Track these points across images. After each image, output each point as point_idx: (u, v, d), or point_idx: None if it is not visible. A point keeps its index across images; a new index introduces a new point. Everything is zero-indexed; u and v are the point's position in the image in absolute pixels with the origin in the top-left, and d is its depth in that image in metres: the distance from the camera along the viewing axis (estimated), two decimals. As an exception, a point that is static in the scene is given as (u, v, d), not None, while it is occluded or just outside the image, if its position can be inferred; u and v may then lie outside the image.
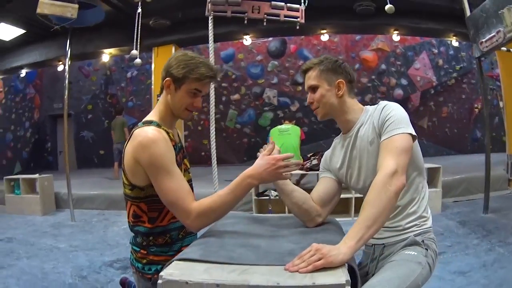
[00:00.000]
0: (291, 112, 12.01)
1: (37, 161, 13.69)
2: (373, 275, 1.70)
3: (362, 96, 11.82)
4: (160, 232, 1.79)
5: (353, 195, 5.94)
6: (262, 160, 1.65)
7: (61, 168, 11.99)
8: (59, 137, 14.32)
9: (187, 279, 1.21)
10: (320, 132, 11.22)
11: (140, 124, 1.78)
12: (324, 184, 1.98)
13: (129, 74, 13.87)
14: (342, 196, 5.61)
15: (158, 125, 1.75)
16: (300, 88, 11.76)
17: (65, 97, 7.23)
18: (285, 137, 6.73)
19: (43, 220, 6.85)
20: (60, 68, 9.52)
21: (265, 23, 5.78)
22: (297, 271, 1.26)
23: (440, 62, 12.17)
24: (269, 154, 1.68)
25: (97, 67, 13.99)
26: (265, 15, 5.81)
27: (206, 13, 5.68)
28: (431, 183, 6.34)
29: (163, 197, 1.65)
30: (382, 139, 1.69)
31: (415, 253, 1.68)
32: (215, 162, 5.50)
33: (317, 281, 1.18)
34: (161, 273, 1.27)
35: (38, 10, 5.42)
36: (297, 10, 5.96)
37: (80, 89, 14.23)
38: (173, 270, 1.30)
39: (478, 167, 6.61)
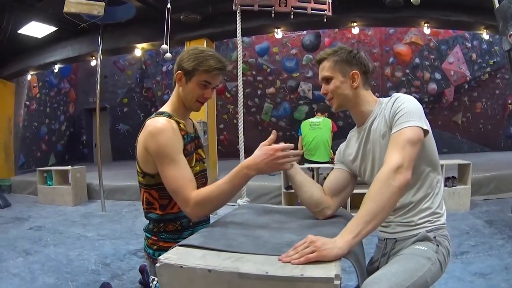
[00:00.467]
0: (326, 105, 11.78)
1: (72, 153, 14.09)
2: None
3: (397, 90, 11.44)
4: (170, 219, 1.85)
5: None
6: (261, 150, 1.65)
7: (97, 160, 12.44)
8: (94, 130, 14.59)
9: (182, 263, 1.25)
10: (355, 126, 10.87)
11: (153, 115, 1.84)
12: (336, 176, 1.95)
13: (164, 68, 13.99)
14: (364, 191, 5.58)
15: (169, 116, 1.81)
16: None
17: (97, 91, 7.44)
18: (317, 131, 6.69)
19: (74, 210, 7.04)
20: (93, 63, 9.72)
21: (292, 16, 5.75)
22: (290, 262, 1.24)
23: (474, 56, 11.78)
24: (269, 145, 1.68)
25: (132, 62, 14.18)
26: (292, 9, 5.78)
27: (234, 7, 5.70)
28: (461, 180, 6.20)
29: (166, 185, 1.71)
30: (392, 132, 1.62)
31: (425, 248, 1.64)
32: (243, 153, 5.50)
33: (306, 273, 1.16)
34: (160, 257, 1.32)
35: (65, 9, 5.56)
36: (324, 3, 5.89)
37: (116, 83, 14.53)
38: (172, 255, 1.35)
39: (510, 164, 6.39)
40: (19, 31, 8.04)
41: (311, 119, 6.95)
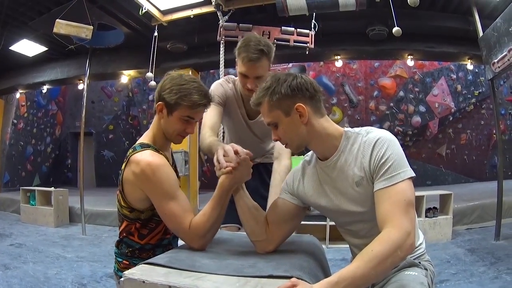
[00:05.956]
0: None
1: (57, 176, 13.95)
2: None
3: (381, 124, 11.47)
4: (147, 249, 1.82)
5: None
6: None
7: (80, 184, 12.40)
8: (79, 155, 14.47)
9: (145, 279, 1.27)
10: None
11: (137, 147, 1.75)
12: (282, 207, 1.73)
13: (150, 97, 13.77)
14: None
15: (156, 150, 1.75)
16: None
17: (83, 115, 7.43)
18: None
19: (55, 231, 7.01)
20: (80, 86, 9.71)
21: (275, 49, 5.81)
22: None
23: (459, 87, 11.87)
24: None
25: (120, 88, 14.10)
26: (275, 40, 5.88)
27: (218, 37, 5.80)
28: (442, 210, 6.17)
29: (167, 223, 1.70)
30: (381, 186, 1.42)
31: (416, 274, 1.52)
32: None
33: None
34: (124, 272, 1.33)
35: (55, 30, 5.64)
36: (306, 35, 6.02)
37: (102, 109, 14.45)
38: (136, 271, 1.36)
39: (494, 193, 6.35)
40: (11, 48, 8.07)
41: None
